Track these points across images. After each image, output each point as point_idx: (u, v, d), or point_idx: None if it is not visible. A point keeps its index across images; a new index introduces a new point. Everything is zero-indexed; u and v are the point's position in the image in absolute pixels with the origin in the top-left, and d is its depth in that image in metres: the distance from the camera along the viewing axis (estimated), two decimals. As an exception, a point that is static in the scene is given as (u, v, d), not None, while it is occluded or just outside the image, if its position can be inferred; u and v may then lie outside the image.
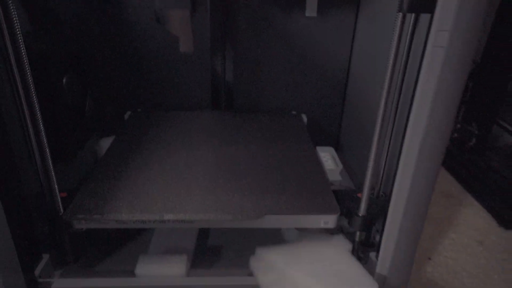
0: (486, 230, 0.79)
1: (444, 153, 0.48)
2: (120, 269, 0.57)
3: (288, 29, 0.80)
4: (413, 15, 0.47)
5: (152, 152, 0.66)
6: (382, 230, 0.53)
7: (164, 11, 0.67)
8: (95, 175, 0.59)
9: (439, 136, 0.46)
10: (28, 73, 0.45)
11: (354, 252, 0.59)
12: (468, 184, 0.93)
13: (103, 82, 0.81)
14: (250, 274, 0.57)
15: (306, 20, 0.79)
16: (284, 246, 0.54)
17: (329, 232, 0.59)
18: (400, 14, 0.45)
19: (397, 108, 0.53)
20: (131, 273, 0.55)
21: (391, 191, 0.51)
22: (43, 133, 0.48)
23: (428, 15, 0.43)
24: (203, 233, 0.64)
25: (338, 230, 0.58)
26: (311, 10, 0.78)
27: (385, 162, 0.56)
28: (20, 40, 0.44)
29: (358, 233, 0.58)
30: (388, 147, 0.55)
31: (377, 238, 0.60)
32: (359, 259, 0.59)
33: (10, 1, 0.42)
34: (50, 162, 0.50)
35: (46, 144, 0.49)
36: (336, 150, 0.77)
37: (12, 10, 0.42)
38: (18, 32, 0.43)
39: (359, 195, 0.55)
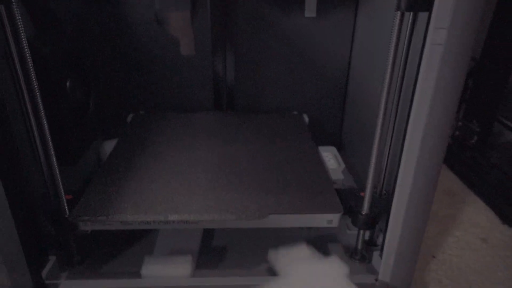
0: (490, 227, 0.79)
1: (445, 150, 0.49)
2: (125, 270, 0.57)
3: (288, 29, 0.80)
4: (411, 13, 0.48)
5: (155, 153, 0.66)
6: (386, 228, 0.54)
7: (165, 12, 0.68)
8: (100, 177, 0.60)
9: (439, 132, 0.46)
10: (33, 77, 0.46)
11: (358, 251, 0.60)
12: (470, 181, 0.93)
13: (105, 85, 0.82)
14: (255, 274, 0.57)
15: (306, 20, 0.80)
16: (278, 279, 0.54)
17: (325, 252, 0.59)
18: (399, 13, 0.45)
19: (397, 106, 0.53)
20: (137, 274, 0.55)
21: (394, 189, 0.51)
22: (48, 136, 0.49)
23: (426, 13, 0.43)
24: (208, 234, 0.65)
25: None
26: (310, 10, 0.79)
27: (387, 160, 0.56)
28: (24, 44, 0.44)
29: (361, 232, 0.58)
30: (390, 145, 0.56)
31: (381, 236, 0.60)
32: (363, 258, 0.60)
33: (14, 5, 0.43)
34: (55, 164, 0.51)
35: (51, 146, 0.50)
36: (338, 149, 0.77)
37: (17, 14, 0.43)
38: (22, 36, 0.44)
39: (362, 194, 0.56)
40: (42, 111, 0.48)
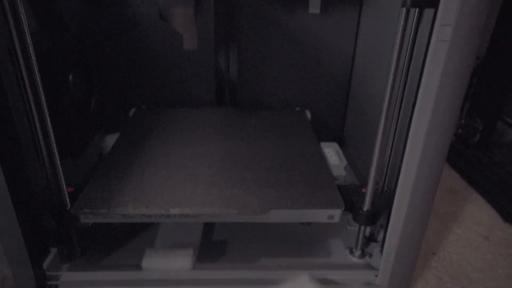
0: (491, 225, 0.79)
1: (448, 148, 0.48)
2: (126, 263, 0.57)
3: (292, 25, 0.80)
4: (417, 9, 0.47)
5: (157, 147, 0.66)
6: (387, 225, 0.54)
7: (168, 8, 0.68)
8: (101, 171, 0.60)
9: (443, 130, 0.46)
10: (36, 71, 0.46)
11: (358, 247, 0.60)
12: (472, 179, 0.93)
13: (108, 79, 0.82)
14: (255, 268, 0.57)
15: (310, 17, 0.79)
16: None
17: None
18: (404, 9, 0.45)
19: (401, 103, 0.53)
20: (138, 267, 0.56)
21: (396, 185, 0.51)
22: (50, 129, 0.49)
23: (431, 10, 0.43)
24: (209, 227, 0.65)
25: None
26: (314, 6, 0.78)
27: (389, 156, 0.56)
28: (27, 39, 0.44)
29: (362, 228, 0.58)
30: (392, 142, 0.55)
31: (381, 233, 0.60)
32: (363, 254, 0.60)
33: (18, 0, 0.43)
34: (57, 157, 0.51)
35: (53, 140, 0.50)
36: (340, 145, 0.77)
37: (20, 9, 0.43)
38: (25, 31, 0.44)
39: (363, 190, 0.56)
40: (44, 105, 0.48)
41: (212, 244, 0.62)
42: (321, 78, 0.85)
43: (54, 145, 0.50)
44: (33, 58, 0.45)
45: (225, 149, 0.67)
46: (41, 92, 0.47)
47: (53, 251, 0.56)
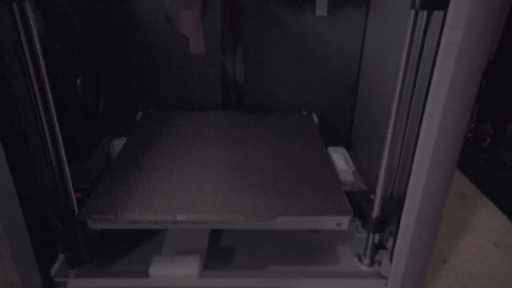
0: (503, 232, 0.77)
1: (459, 153, 0.47)
2: (133, 269, 0.57)
3: (298, 28, 0.80)
4: (426, 12, 0.46)
5: (164, 152, 0.66)
6: (396, 232, 0.53)
7: (175, 11, 0.68)
8: (109, 176, 0.60)
9: (454, 134, 0.45)
10: (44, 75, 0.46)
11: (367, 254, 0.59)
12: (483, 185, 0.91)
13: (115, 83, 0.82)
14: (263, 275, 0.57)
15: (316, 19, 0.79)
16: None
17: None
18: (413, 12, 0.44)
19: (410, 106, 0.52)
20: (145, 274, 0.55)
21: (405, 191, 0.50)
22: (58, 134, 0.49)
23: (441, 12, 0.42)
24: (216, 234, 0.64)
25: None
26: (321, 9, 0.78)
27: (399, 162, 0.55)
28: (36, 42, 0.45)
29: (371, 235, 0.57)
30: (402, 147, 0.55)
31: (390, 240, 0.59)
32: (372, 262, 0.59)
33: (26, 3, 0.43)
34: (65, 162, 0.51)
35: (61, 144, 0.50)
36: (348, 150, 0.76)
37: (29, 11, 0.43)
38: (34, 34, 0.44)
39: (372, 196, 0.55)
40: (52, 109, 0.48)
41: (219, 251, 0.61)
42: (328, 81, 0.85)
43: (62, 149, 0.50)
44: (42, 61, 0.46)
45: (232, 153, 0.66)
46: (49, 95, 0.47)
47: (61, 257, 0.56)
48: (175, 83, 0.84)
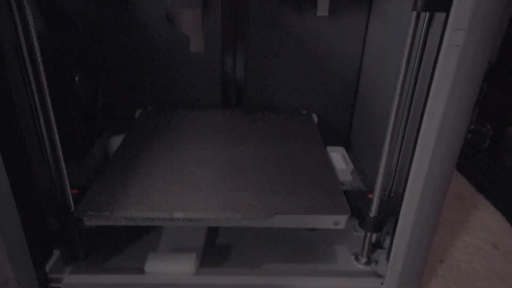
0: (501, 233, 0.77)
1: (459, 154, 0.47)
2: (129, 266, 0.57)
3: (299, 28, 0.79)
4: (428, 14, 0.46)
5: (162, 150, 0.66)
6: (394, 231, 0.53)
7: (175, 10, 0.68)
8: (106, 173, 0.59)
9: (454, 136, 0.45)
10: (42, 72, 0.46)
11: (364, 253, 0.59)
12: (481, 186, 0.91)
13: (114, 81, 0.82)
14: (259, 273, 0.57)
15: (318, 19, 0.78)
16: None
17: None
18: (414, 13, 0.44)
19: (410, 107, 0.52)
20: (140, 270, 0.55)
21: (403, 192, 0.50)
22: (55, 131, 0.49)
23: (443, 14, 0.42)
24: (212, 231, 0.64)
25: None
26: (322, 9, 0.78)
27: (397, 162, 0.55)
28: (34, 39, 0.44)
29: (368, 234, 0.57)
30: (401, 147, 0.54)
31: (388, 239, 0.59)
32: (369, 261, 0.59)
33: (25, 1, 0.42)
34: (62, 159, 0.50)
35: (58, 141, 0.49)
36: (347, 149, 0.76)
37: (27, 9, 0.43)
38: (32, 32, 0.44)
39: (370, 195, 0.55)
40: (50, 106, 0.48)
41: (215, 249, 0.61)
42: (328, 81, 0.85)
43: (59, 146, 0.50)
44: (40, 58, 0.45)
45: (230, 152, 0.66)
46: (47, 93, 0.47)
47: (56, 253, 0.56)
48: (174, 81, 0.83)
